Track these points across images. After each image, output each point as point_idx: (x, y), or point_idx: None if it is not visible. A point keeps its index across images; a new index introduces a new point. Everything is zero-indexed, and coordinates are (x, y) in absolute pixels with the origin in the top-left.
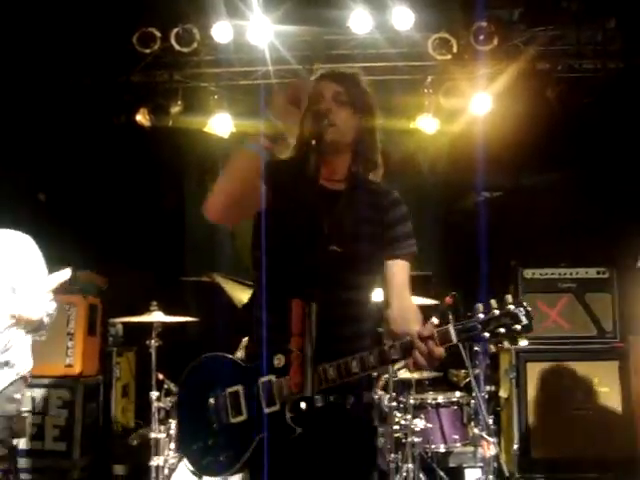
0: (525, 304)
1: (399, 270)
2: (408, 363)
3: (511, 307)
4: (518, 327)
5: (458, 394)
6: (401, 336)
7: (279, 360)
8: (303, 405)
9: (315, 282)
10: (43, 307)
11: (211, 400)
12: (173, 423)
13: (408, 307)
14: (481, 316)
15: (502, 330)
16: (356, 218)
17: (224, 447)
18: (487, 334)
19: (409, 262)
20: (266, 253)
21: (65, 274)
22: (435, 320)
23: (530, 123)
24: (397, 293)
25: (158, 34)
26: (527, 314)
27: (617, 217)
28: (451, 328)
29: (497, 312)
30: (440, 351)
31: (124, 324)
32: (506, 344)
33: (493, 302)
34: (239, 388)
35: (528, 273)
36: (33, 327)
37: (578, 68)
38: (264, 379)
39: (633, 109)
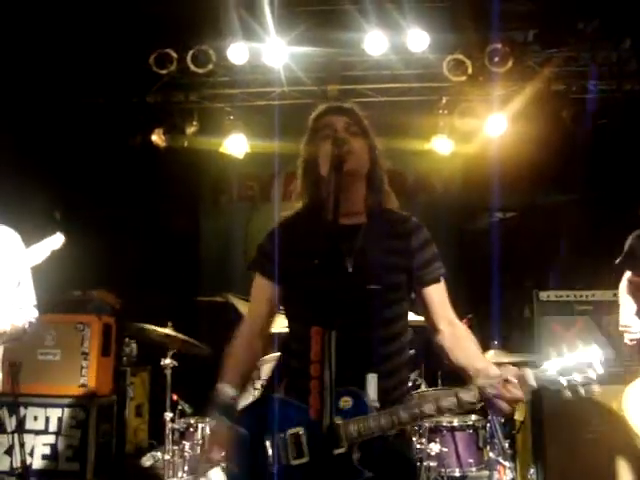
0: (599, 350)
1: (435, 293)
2: (491, 408)
3: (584, 354)
4: (593, 375)
5: (474, 417)
6: (460, 368)
7: (345, 402)
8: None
9: (336, 312)
10: (26, 314)
11: (268, 442)
12: (187, 445)
13: (459, 332)
14: (557, 363)
15: (577, 378)
16: (380, 249)
17: None
18: (564, 381)
19: (443, 283)
20: (291, 294)
21: (57, 240)
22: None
23: (545, 144)
24: (442, 317)
25: (175, 55)
26: (600, 361)
27: None
28: (529, 372)
29: (572, 360)
30: (521, 394)
31: (138, 343)
32: (581, 391)
33: (565, 348)
34: (300, 430)
35: (544, 295)
36: (14, 337)
37: (593, 89)
38: (291, 431)
39: None
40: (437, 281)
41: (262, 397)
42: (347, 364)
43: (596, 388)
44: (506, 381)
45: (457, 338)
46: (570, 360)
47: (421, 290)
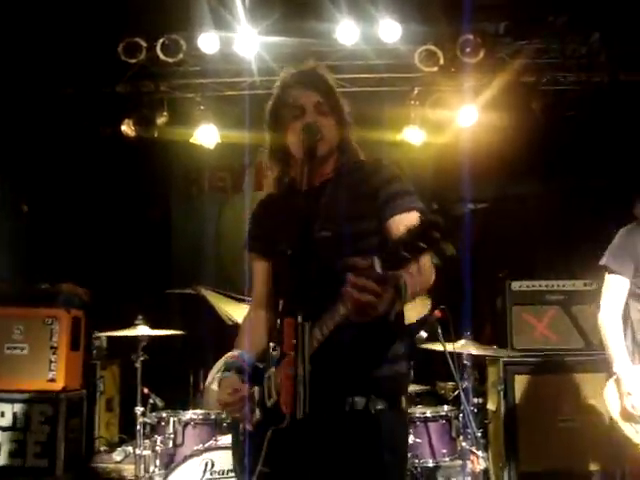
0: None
1: (399, 223)
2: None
3: (429, 216)
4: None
5: (446, 407)
6: None
7: (277, 352)
8: None
9: (307, 297)
10: None
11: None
12: (159, 439)
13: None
14: (402, 236)
15: (422, 245)
16: (344, 199)
17: (251, 450)
18: (407, 254)
19: (412, 215)
20: (275, 268)
21: None
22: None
23: (516, 135)
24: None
25: (144, 44)
26: (457, 216)
27: (603, 228)
28: (375, 258)
29: (418, 227)
30: (367, 283)
31: (108, 337)
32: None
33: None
34: (255, 390)
35: (515, 285)
36: None
37: (563, 81)
38: (267, 374)
39: (617, 121)
40: (404, 211)
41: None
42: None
43: (450, 249)
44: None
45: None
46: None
47: (385, 224)
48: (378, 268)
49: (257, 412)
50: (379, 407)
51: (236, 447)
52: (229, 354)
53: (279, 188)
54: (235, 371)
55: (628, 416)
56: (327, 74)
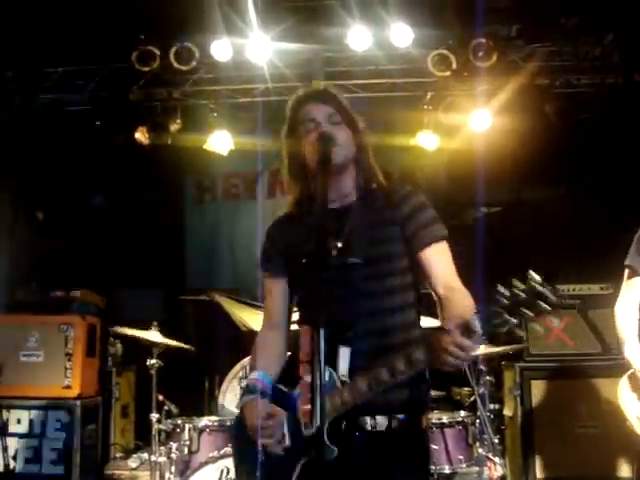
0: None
1: (432, 256)
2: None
3: (537, 286)
4: (546, 306)
5: (463, 413)
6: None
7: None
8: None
9: (324, 305)
10: None
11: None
12: (174, 445)
13: (453, 300)
14: (504, 300)
15: (528, 313)
16: (370, 224)
17: (275, 476)
18: (514, 320)
19: (443, 245)
20: (293, 285)
21: None
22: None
23: (529, 139)
24: (440, 282)
25: (157, 52)
26: (555, 292)
27: (619, 231)
28: (475, 317)
29: (522, 294)
30: (466, 342)
31: (123, 343)
32: (537, 327)
33: (516, 281)
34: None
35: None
36: None
37: (577, 83)
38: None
39: (632, 123)
40: (433, 242)
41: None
42: (332, 342)
43: (555, 322)
44: (449, 330)
45: (450, 302)
46: (519, 296)
47: (417, 255)
48: (478, 328)
49: (287, 438)
50: (400, 427)
51: (242, 462)
52: (250, 376)
53: (298, 209)
54: (260, 395)
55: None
56: (338, 92)
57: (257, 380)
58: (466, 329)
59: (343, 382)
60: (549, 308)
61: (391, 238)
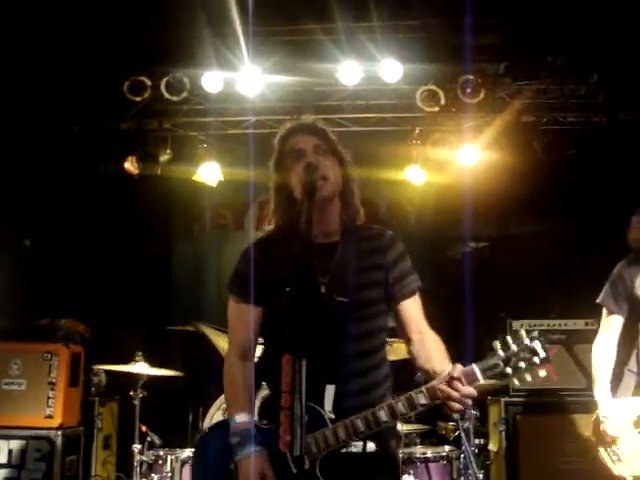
0: (539, 336)
1: (410, 307)
2: (444, 408)
3: (527, 341)
4: (537, 360)
5: (447, 448)
6: (425, 372)
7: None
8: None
9: (308, 336)
10: None
11: (232, 466)
12: (156, 477)
13: (427, 339)
14: (501, 353)
15: (522, 365)
16: (356, 266)
17: None
18: (509, 370)
19: (417, 296)
20: (271, 318)
21: None
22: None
23: (517, 174)
24: (414, 329)
25: (148, 82)
26: (543, 347)
27: (604, 266)
28: (475, 367)
29: (516, 348)
30: (471, 390)
31: (107, 373)
32: (527, 377)
33: (508, 338)
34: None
35: (517, 325)
36: None
37: (563, 121)
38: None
39: (616, 160)
40: (412, 295)
41: (219, 422)
42: (317, 379)
43: (542, 372)
44: (452, 379)
45: (424, 345)
46: (513, 351)
47: (397, 305)
48: (479, 377)
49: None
50: (373, 449)
51: None
52: (239, 418)
53: (280, 236)
54: (255, 445)
55: (601, 440)
56: (324, 125)
57: (248, 424)
58: (472, 378)
59: (332, 420)
60: (539, 362)
61: (376, 282)
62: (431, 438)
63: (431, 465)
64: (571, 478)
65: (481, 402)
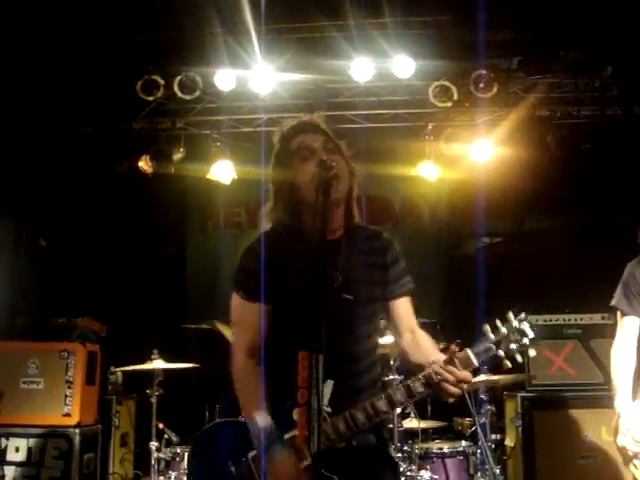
0: (526, 317)
1: (403, 306)
2: (441, 394)
3: (516, 323)
4: (526, 341)
5: (464, 443)
6: (419, 366)
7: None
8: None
9: (320, 333)
10: None
11: (232, 468)
12: (173, 474)
13: (419, 336)
14: (492, 336)
15: (513, 346)
16: (360, 265)
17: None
18: (501, 352)
19: (409, 297)
20: (279, 311)
21: None
22: (454, 346)
23: (531, 169)
24: (406, 326)
25: (161, 82)
26: (531, 326)
27: (619, 261)
28: (469, 351)
29: (506, 330)
30: (466, 374)
31: (124, 371)
32: (518, 358)
33: (498, 322)
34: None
35: (532, 319)
36: None
37: (577, 115)
38: (288, 436)
39: (631, 154)
40: (407, 295)
41: (213, 424)
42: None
43: (532, 352)
44: (447, 363)
45: (416, 341)
46: (503, 334)
47: (390, 303)
48: (474, 361)
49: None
50: (372, 443)
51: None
52: (263, 423)
53: (281, 231)
54: (283, 445)
55: (624, 454)
56: (324, 122)
57: (270, 425)
58: (466, 363)
59: (329, 413)
60: (528, 343)
61: (378, 281)
62: (448, 434)
63: (448, 460)
64: (588, 473)
65: (497, 397)
